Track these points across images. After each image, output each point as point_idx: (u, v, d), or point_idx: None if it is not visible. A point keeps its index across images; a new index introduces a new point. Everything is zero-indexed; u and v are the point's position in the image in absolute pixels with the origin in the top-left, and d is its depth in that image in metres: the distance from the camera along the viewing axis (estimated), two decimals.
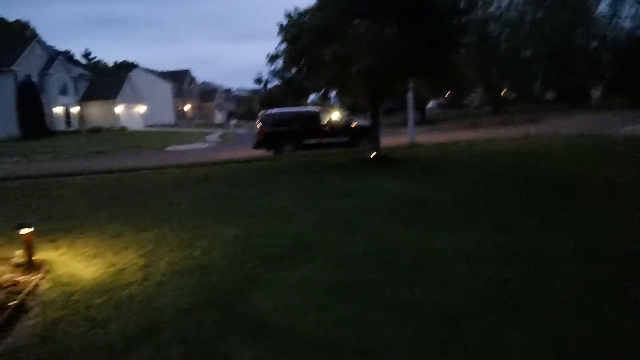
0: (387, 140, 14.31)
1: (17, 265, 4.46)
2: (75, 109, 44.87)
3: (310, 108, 19.74)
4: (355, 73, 12.35)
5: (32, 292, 3.89)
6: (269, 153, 16.70)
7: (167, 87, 60.68)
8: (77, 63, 52.22)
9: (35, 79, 39.44)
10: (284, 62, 13.41)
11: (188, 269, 4.47)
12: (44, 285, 4.11)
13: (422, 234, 5.32)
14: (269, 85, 14.58)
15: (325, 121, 17.26)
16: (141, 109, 50.68)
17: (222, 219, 6.52)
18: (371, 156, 13.13)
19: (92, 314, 3.56)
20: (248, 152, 17.27)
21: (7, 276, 4.11)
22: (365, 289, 3.83)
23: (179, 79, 65.51)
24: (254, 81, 14.07)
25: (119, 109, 45.72)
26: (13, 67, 37.91)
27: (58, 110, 42.15)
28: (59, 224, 6.71)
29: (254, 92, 78.36)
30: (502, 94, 38.95)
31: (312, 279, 4.09)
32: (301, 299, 3.70)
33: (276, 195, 8.17)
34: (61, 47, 62.59)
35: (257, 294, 3.81)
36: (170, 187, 9.92)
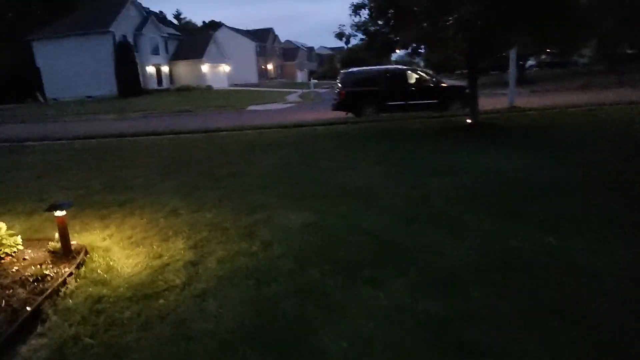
0: (481, 102, 12.31)
1: (53, 252, 3.82)
2: (165, 68, 46.62)
3: (395, 66, 17.93)
4: (452, 24, 10.54)
5: (54, 294, 3.18)
6: (349, 115, 15.43)
7: (250, 46, 60.92)
8: (167, 23, 53.84)
9: (130, 39, 41.22)
10: (370, 13, 11.82)
11: (241, 272, 3.52)
12: (73, 282, 3.40)
13: (552, 238, 3.87)
14: (352, 41, 13.13)
15: (411, 81, 15.48)
16: (226, 68, 51.41)
17: (291, 198, 5.51)
18: (468, 122, 11.35)
19: (112, 337, 2.74)
20: (327, 113, 16.14)
21: (35, 269, 3.45)
22: (486, 339, 2.57)
23: (263, 38, 65.42)
24: (335, 36, 12.69)
25: (204, 68, 46.70)
26: (111, 28, 39.81)
27: (150, 69, 44.03)
28: (118, 194, 6.18)
29: (336, 50, 76.26)
30: (620, 49, 33.23)
31: (404, 306, 2.92)
32: (390, 342, 2.56)
33: (355, 169, 6.99)
34: (154, 8, 65.01)
35: (326, 328, 2.73)
36: (241, 153, 9.16)
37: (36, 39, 41.12)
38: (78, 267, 3.61)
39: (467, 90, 13.24)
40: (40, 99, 41.40)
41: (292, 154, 8.70)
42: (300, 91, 38.65)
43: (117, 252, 4.04)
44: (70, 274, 3.44)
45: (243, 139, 11.50)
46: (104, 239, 4.36)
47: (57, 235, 3.86)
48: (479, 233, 4.08)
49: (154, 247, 4.13)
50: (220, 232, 4.42)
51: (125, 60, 38.89)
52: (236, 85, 49.91)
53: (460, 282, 3.21)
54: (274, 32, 69.78)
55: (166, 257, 3.87)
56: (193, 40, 50.46)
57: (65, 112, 27.45)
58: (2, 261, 3.66)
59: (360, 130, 12.04)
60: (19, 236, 3.96)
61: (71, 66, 39.82)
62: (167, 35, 47.63)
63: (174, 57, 47.43)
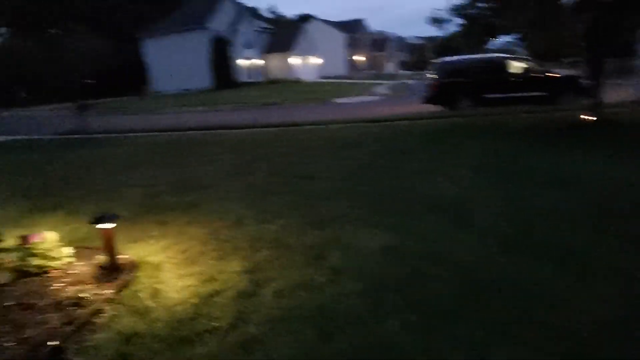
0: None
1: (100, 267, 3.45)
2: (257, 62, 47.88)
3: (495, 55, 16.10)
4: (571, 4, 8.94)
5: (85, 325, 2.75)
6: (442, 109, 14.09)
7: (340, 38, 60.44)
8: (260, 17, 55.25)
9: (225, 34, 42.84)
10: None
11: (301, 313, 2.82)
12: (110, 310, 2.96)
13: None
14: (447, 27, 11.87)
15: (515, 70, 13.68)
16: (315, 60, 51.52)
17: (368, 210, 4.72)
18: (584, 118, 9.59)
19: None
20: (416, 107, 14.95)
21: (74, 289, 3.08)
22: None
23: (352, 29, 64.60)
24: (430, 21, 11.59)
25: (294, 60, 47.16)
26: (208, 24, 41.71)
27: (243, 62, 45.47)
28: (185, 195, 5.85)
29: (428, 39, 73.03)
30: None
31: None
32: None
33: (445, 175, 5.97)
34: (249, 3, 67.34)
35: None
36: (319, 150, 8.52)
37: (144, 37, 44.56)
38: (120, 289, 3.18)
39: (582, 81, 11.32)
40: (145, 91, 44.88)
41: (373, 153, 7.86)
42: (389, 83, 37.30)
43: (168, 270, 3.57)
44: (107, 299, 2.99)
45: (323, 134, 10.89)
46: (158, 253, 3.93)
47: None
48: (614, 275, 2.96)
49: (208, 267, 3.60)
50: (284, 252, 3.77)
51: (220, 54, 40.56)
52: (325, 77, 49.79)
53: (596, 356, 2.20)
54: (363, 23, 68.60)
55: (218, 283, 3.31)
56: (284, 33, 51.18)
57: (164, 104, 29.20)
58: (48, 275, 3.36)
59: (453, 126, 10.80)
60: (71, 248, 3.67)
61: (172, 61, 42.48)
62: (259, 29, 48.87)
63: (266, 51, 48.54)
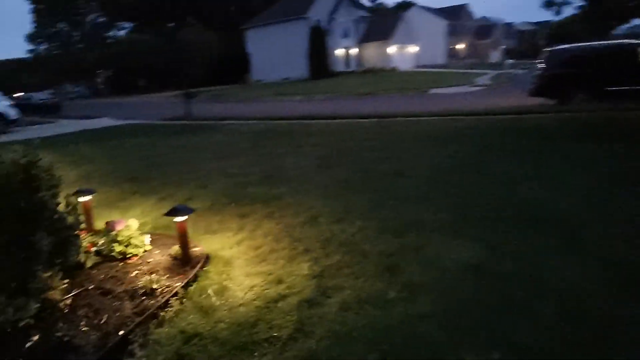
0: None
1: (174, 258, 3.52)
2: (353, 51, 47.64)
3: (625, 41, 13.99)
4: None
5: (152, 317, 2.78)
6: (551, 103, 12.64)
7: (440, 25, 57.73)
8: (359, 6, 54.69)
9: (323, 24, 43.20)
10: None
11: (364, 334, 2.56)
12: (177, 304, 2.96)
13: None
14: (564, 11, 10.50)
15: None
16: (413, 49, 49.88)
17: (455, 216, 4.27)
18: None
19: None
20: (521, 99, 13.61)
21: (148, 278, 3.15)
22: None
23: (454, 16, 61.33)
24: (543, 4, 10.30)
25: (391, 49, 46.11)
26: (307, 14, 42.36)
27: (339, 52, 45.56)
28: (271, 186, 5.84)
29: (540, 25, 66.68)
30: None
31: None
32: None
33: (550, 182, 5.23)
34: None
35: None
36: (408, 145, 8.06)
37: (248, 28, 46.70)
38: (190, 283, 3.19)
39: None
40: (247, 80, 47.15)
41: (466, 151, 7.22)
42: (492, 73, 34.72)
43: (238, 267, 3.53)
44: (175, 294, 3.00)
45: (415, 127, 10.34)
46: (232, 247, 3.92)
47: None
48: None
49: (277, 267, 3.48)
50: (356, 259, 3.53)
51: (318, 44, 41.04)
52: (423, 66, 47.97)
53: None
54: (467, 9, 64.67)
55: (284, 286, 3.17)
56: (382, 21, 50.19)
57: (263, 92, 30.32)
58: (128, 262, 3.50)
59: (563, 123, 9.59)
60: (148, 236, 3.79)
61: (273, 51, 43.98)
62: (357, 18, 48.46)
63: (363, 40, 48.06)
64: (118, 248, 3.47)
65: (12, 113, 18.40)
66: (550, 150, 6.93)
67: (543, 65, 12.79)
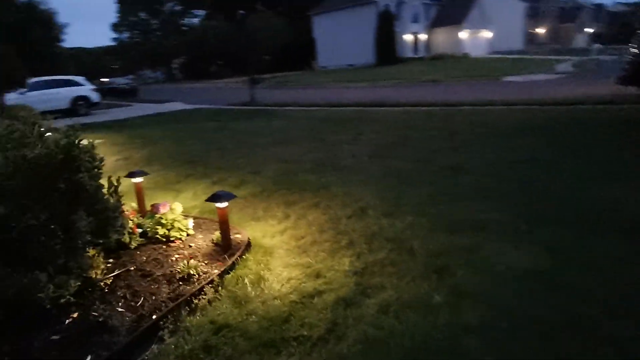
0: None
1: (215, 244, 3.48)
2: (422, 36, 46.00)
3: None
4: None
5: (186, 304, 2.74)
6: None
7: (519, 8, 53.92)
8: None
9: (392, 8, 42.01)
10: None
11: (403, 341, 2.34)
12: (212, 291, 2.91)
13: None
14: None
15: None
16: (487, 34, 47.11)
17: (517, 218, 3.85)
18: None
19: None
20: (608, 88, 12.29)
21: (186, 263, 3.13)
22: None
23: None
24: None
25: (463, 34, 43.91)
26: None
27: (407, 37, 44.19)
28: (322, 174, 5.69)
29: (637, 5, 60.18)
30: None
31: None
32: None
33: (630, 182, 4.59)
34: None
35: None
36: (472, 137, 7.53)
37: (315, 14, 46.60)
38: (227, 271, 3.13)
39: None
40: (313, 66, 47.26)
41: (538, 144, 6.59)
42: (575, 59, 31.89)
43: (278, 257, 3.42)
44: (211, 281, 2.95)
45: (483, 117, 9.68)
46: (274, 236, 3.82)
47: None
48: None
49: (318, 259, 3.33)
50: (402, 257, 3.28)
51: (385, 29, 39.99)
52: (497, 52, 45.22)
53: None
54: None
55: (322, 281, 3.01)
56: (454, 5, 47.79)
57: (327, 79, 30.20)
58: (171, 245, 3.52)
59: None
60: (192, 220, 3.79)
61: (338, 37, 43.59)
62: (428, 2, 46.58)
63: (433, 25, 46.19)
64: (161, 231, 3.49)
65: (94, 96, 19.82)
66: (637, 147, 6.13)
67: (635, 50, 11.40)
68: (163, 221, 3.53)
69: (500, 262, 3.10)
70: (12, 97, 17.30)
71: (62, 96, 18.54)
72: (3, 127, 2.60)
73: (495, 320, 2.45)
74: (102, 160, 2.66)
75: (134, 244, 3.38)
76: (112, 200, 2.72)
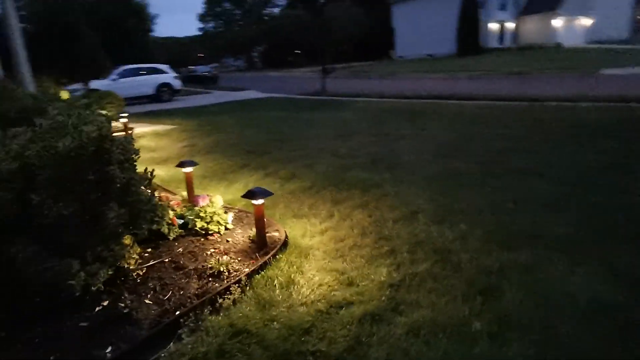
0: None
1: (252, 241, 3.41)
2: (510, 25, 43.03)
3: None
4: None
5: (209, 303, 2.69)
6: None
7: None
8: None
9: None
10: None
11: None
12: (239, 291, 2.83)
13: None
14: None
15: None
16: (585, 21, 42.85)
17: (585, 233, 3.34)
18: None
19: None
20: None
21: (219, 259, 3.08)
22: None
23: None
24: None
25: (557, 22, 40.34)
26: None
27: (493, 26, 41.59)
28: (377, 172, 5.42)
29: None
30: None
31: None
32: None
33: None
34: None
35: None
36: (556, 136, 6.82)
37: (394, 2, 45.39)
38: (257, 270, 3.04)
39: None
40: (390, 56, 46.26)
41: (628, 149, 5.76)
42: None
43: (313, 259, 3.26)
44: (239, 280, 2.87)
45: (568, 115, 8.73)
46: (314, 235, 3.67)
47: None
48: None
49: (354, 266, 3.13)
50: (447, 271, 2.97)
51: (469, 17, 37.87)
52: (596, 42, 40.98)
53: None
54: None
55: (354, 291, 2.81)
56: None
57: (404, 69, 29.34)
58: (210, 238, 3.50)
59: None
60: (232, 214, 3.75)
61: (418, 26, 42.15)
62: None
63: (523, 12, 42.90)
64: (199, 224, 3.49)
65: (177, 84, 20.98)
66: None
67: None
68: (202, 214, 3.52)
69: (563, 288, 2.69)
70: (104, 84, 18.84)
71: (148, 83, 19.83)
72: (49, 117, 2.69)
73: None
74: (136, 152, 2.66)
75: (172, 235, 3.41)
76: (144, 193, 2.73)
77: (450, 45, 39.01)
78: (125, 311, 2.58)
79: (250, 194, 3.22)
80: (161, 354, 2.35)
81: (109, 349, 2.35)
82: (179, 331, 2.49)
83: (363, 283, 2.90)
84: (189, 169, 4.31)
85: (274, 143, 7.68)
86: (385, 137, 7.68)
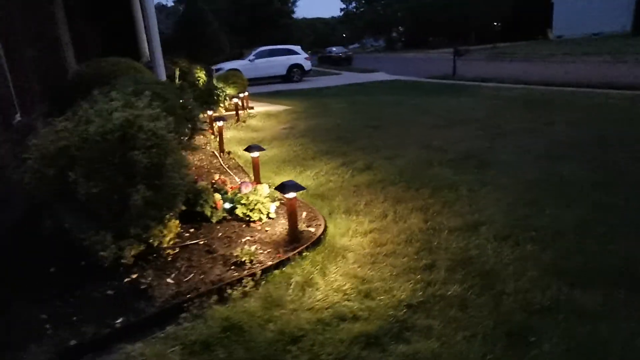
0: None
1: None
2: None
3: None
4: None
5: (222, 291, 2.72)
6: None
7: None
8: None
9: None
10: None
11: None
12: (252, 285, 2.80)
13: None
14: None
15: None
16: None
17: None
18: None
19: None
20: None
21: (247, 249, 3.10)
22: None
23: None
24: None
25: None
26: None
27: None
28: (460, 171, 4.87)
29: None
30: None
31: None
32: None
33: None
34: None
35: None
36: None
37: None
38: (278, 266, 2.97)
39: None
40: (546, 36, 41.01)
41: None
42: None
43: (343, 262, 3.07)
44: (253, 274, 2.85)
45: None
46: (355, 236, 3.44)
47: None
48: None
49: (382, 275, 2.86)
50: (480, 299, 2.52)
51: None
52: None
53: None
54: None
55: (366, 305, 2.56)
56: None
57: (558, 51, 25.78)
58: (250, 225, 3.55)
59: None
60: (275, 204, 3.72)
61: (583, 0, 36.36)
62: None
63: None
64: (240, 210, 3.54)
65: (307, 65, 21.72)
66: None
67: None
68: (243, 201, 3.57)
69: (628, 348, 2.07)
70: (242, 64, 20.42)
71: (281, 64, 20.92)
72: (104, 102, 2.96)
73: None
74: (163, 137, 2.77)
75: (214, 219, 3.53)
76: (173, 177, 2.84)
77: (624, 22, 32.94)
78: (142, 287, 2.75)
79: (281, 188, 3.15)
80: (159, 334, 2.46)
81: (120, 319, 2.54)
82: (182, 315, 2.57)
83: (380, 297, 2.64)
84: (255, 154, 4.40)
85: (367, 130, 7.44)
86: (493, 129, 6.86)
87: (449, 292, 2.63)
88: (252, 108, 11.42)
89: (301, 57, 21.52)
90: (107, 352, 2.31)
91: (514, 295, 2.54)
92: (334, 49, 36.05)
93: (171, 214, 2.96)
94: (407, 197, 4.19)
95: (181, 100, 4.91)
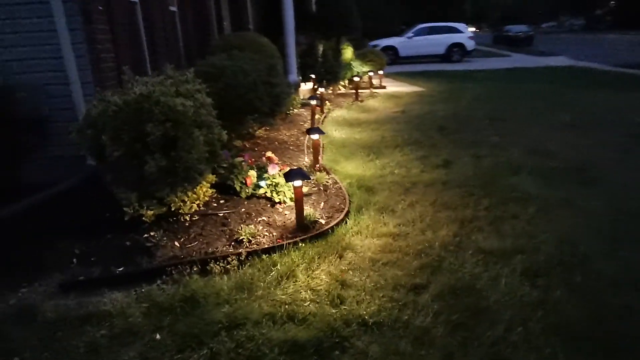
0: None
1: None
2: None
3: None
4: None
5: (202, 267, 2.86)
6: None
7: None
8: None
9: None
10: None
11: None
12: (236, 263, 2.86)
13: None
14: None
15: None
16: None
17: None
18: None
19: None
20: None
21: (253, 228, 3.17)
22: None
23: None
24: None
25: None
26: None
27: None
28: (550, 182, 4.04)
29: None
30: None
31: None
32: None
33: None
34: None
35: None
36: None
37: None
38: (264, 251, 2.97)
39: None
40: None
41: None
42: None
43: (337, 262, 2.88)
44: (239, 254, 2.91)
45: None
46: (371, 237, 3.17)
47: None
48: None
49: (366, 286, 2.63)
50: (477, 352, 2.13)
51: None
52: None
53: None
54: None
55: (330, 312, 2.41)
56: None
57: None
58: (275, 206, 3.59)
59: None
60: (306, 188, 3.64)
61: None
62: None
63: None
64: (262, 190, 3.59)
65: (470, 44, 20.11)
66: None
67: None
68: (269, 182, 3.60)
69: None
70: (399, 41, 19.98)
71: (439, 42, 19.81)
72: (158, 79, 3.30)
73: None
74: (181, 113, 2.96)
75: (243, 194, 3.66)
76: (193, 153, 3.03)
77: None
78: (147, 244, 3.07)
79: (288, 175, 3.09)
80: (140, 290, 2.73)
81: (121, 268, 2.90)
82: (163, 278, 2.80)
83: (345, 307, 2.45)
84: (315, 136, 4.38)
85: (482, 124, 6.63)
86: (598, 131, 5.47)
87: (417, 322, 2.28)
88: (384, 87, 11.20)
89: (464, 36, 20.01)
90: (88, 295, 2.66)
91: (529, 355, 2.07)
92: (513, 27, 32.32)
93: (186, 184, 3.18)
94: (460, 204, 3.68)
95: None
